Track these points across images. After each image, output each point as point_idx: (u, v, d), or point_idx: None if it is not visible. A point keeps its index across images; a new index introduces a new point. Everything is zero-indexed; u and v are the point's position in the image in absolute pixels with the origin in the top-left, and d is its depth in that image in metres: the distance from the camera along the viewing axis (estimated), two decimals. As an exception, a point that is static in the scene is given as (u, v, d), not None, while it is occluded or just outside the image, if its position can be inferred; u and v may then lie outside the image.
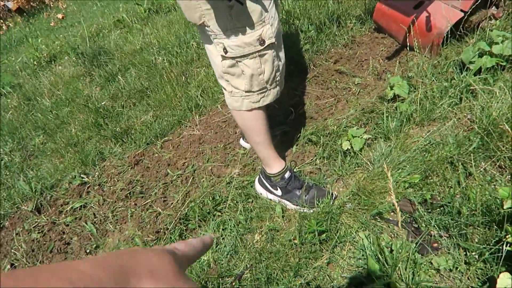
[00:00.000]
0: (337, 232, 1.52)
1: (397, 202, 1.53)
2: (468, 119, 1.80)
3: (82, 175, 2.26)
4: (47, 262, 1.79)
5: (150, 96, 2.84)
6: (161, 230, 1.75)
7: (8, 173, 2.54)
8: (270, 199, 1.74)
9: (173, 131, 2.41)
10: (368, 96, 2.18)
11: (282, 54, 1.43)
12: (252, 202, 1.79)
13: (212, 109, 2.46)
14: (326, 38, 2.66)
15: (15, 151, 2.80)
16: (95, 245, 1.86)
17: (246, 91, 1.40)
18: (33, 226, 2.03)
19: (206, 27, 1.27)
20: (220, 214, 1.76)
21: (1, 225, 2.13)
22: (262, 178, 1.74)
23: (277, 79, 1.42)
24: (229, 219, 1.72)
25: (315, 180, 1.77)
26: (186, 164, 2.12)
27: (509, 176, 1.50)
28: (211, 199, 1.83)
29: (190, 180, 2.01)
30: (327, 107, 2.21)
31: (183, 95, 2.63)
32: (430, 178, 1.59)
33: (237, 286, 1.41)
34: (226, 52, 1.29)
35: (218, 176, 1.97)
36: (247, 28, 1.23)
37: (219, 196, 1.83)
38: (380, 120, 1.93)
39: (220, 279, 1.46)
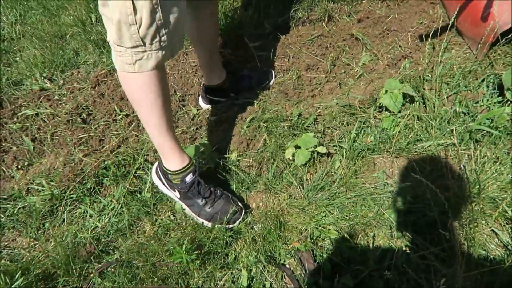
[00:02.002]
0: (225, 257, 1.33)
1: (300, 251, 1.28)
2: (459, 168, 1.34)
3: (46, 80, 2.15)
4: (-21, 166, 1.83)
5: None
6: (74, 178, 1.65)
7: (1, 49, 2.50)
8: (166, 194, 1.48)
9: (146, 57, 2.13)
10: (365, 87, 1.70)
11: (177, 5, 1.03)
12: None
13: (188, 48, 2.10)
14: (362, -17, 2.02)
15: (15, 24, 2.72)
16: (28, 162, 1.85)
17: (116, 44, 1.04)
18: (-13, 121, 2.04)
19: None
20: (134, 181, 1.61)
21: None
22: (159, 170, 1.43)
23: (162, 37, 1.03)
24: (136, 192, 1.57)
25: (240, 181, 1.51)
26: (136, 104, 1.90)
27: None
28: (134, 159, 1.67)
29: (133, 125, 1.83)
30: (312, 85, 1.78)
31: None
32: (354, 238, 1.26)
33: (95, 277, 1.33)
34: None
35: (157, 133, 1.76)
36: None
37: (141, 159, 1.65)
38: (352, 131, 1.52)
39: (87, 261, 1.38)
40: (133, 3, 0.93)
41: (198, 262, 1.27)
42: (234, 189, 1.51)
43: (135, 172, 1.63)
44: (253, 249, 1.29)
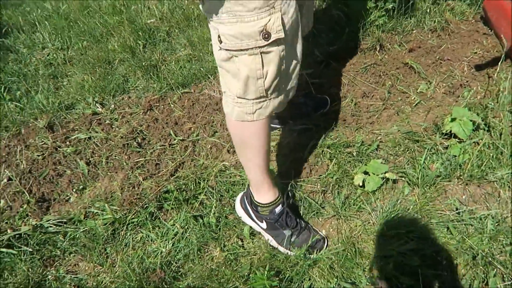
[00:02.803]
0: (301, 283, 1.30)
1: (379, 279, 1.25)
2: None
3: (97, 104, 2.19)
4: (35, 188, 1.83)
5: (196, 29, 2.56)
6: (136, 201, 1.65)
7: (46, 76, 2.56)
8: (249, 225, 1.47)
9: (197, 83, 2.17)
10: (425, 115, 1.71)
11: (298, 53, 1.08)
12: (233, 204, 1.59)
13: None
14: (411, 14, 2.07)
15: (59, 51, 2.80)
16: (82, 186, 1.85)
17: (238, 97, 1.08)
18: (41, 143, 2.06)
19: (202, 6, 1.00)
20: (196, 205, 1.60)
21: (19, 131, 2.19)
22: (246, 202, 1.44)
23: (281, 86, 1.10)
24: (201, 217, 1.56)
25: (309, 206, 1.50)
26: (192, 129, 1.93)
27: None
28: (196, 183, 1.67)
29: (189, 151, 1.84)
30: (369, 112, 1.79)
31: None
32: (433, 265, 1.24)
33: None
34: (220, 41, 0.99)
35: (215, 158, 1.77)
36: (247, 13, 0.91)
37: (204, 184, 1.65)
38: (418, 157, 1.52)
39: (159, 287, 1.36)
40: (261, 58, 0.97)
41: (277, 289, 1.25)
42: (302, 215, 1.50)
43: (197, 197, 1.63)
44: (332, 275, 1.27)
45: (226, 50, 0.99)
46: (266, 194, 1.35)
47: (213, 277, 1.35)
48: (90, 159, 1.95)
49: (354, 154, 1.59)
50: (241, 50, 0.97)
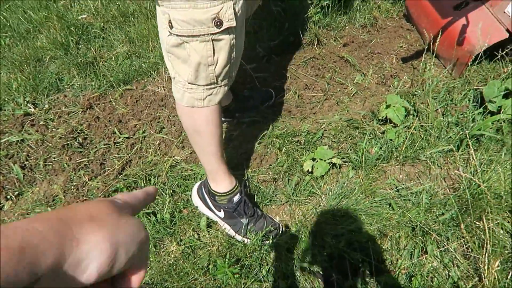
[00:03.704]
0: (260, 269, 1.34)
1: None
2: (457, 174, 1.51)
3: (29, 104, 2.04)
4: (-38, 199, 1.66)
5: (134, 25, 2.49)
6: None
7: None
8: (206, 215, 1.48)
9: (139, 79, 2.12)
10: (362, 103, 1.85)
11: (241, 42, 1.10)
12: (188, 196, 1.58)
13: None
14: (344, 11, 2.21)
15: (-21, 49, 2.55)
16: (17, 192, 1.71)
17: (189, 82, 1.09)
18: (-36, 149, 1.87)
19: None
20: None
21: None
22: (204, 192, 1.43)
23: (231, 74, 1.12)
24: (154, 213, 1.53)
25: (263, 194, 1.55)
26: (137, 127, 1.88)
27: (472, 266, 1.27)
28: (146, 180, 1.63)
29: (136, 148, 1.79)
30: (312, 103, 1.89)
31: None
32: (379, 241, 1.35)
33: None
34: (171, 26, 0.98)
35: (164, 154, 1.74)
36: (200, 0, 0.92)
37: (155, 180, 1.63)
38: (359, 142, 1.64)
39: None
40: (212, 45, 0.98)
41: (238, 276, 1.28)
42: (256, 204, 1.54)
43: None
44: (290, 258, 1.33)
45: (177, 35, 0.99)
46: (222, 182, 1.36)
47: (171, 272, 1.34)
48: (25, 162, 1.81)
49: (302, 142, 1.66)
50: (193, 36, 0.97)
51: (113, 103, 2.00)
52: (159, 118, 1.90)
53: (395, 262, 1.31)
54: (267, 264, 1.35)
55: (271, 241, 1.38)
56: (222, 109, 1.77)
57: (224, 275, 1.24)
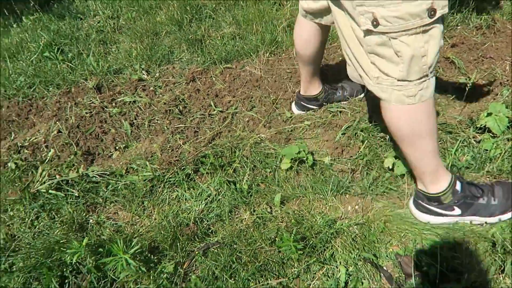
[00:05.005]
0: (322, 252, 1.38)
1: (400, 255, 1.32)
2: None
3: (143, 71, 2.32)
4: (82, 142, 1.97)
5: (242, 8, 2.64)
6: (175, 163, 1.76)
7: (97, 41, 2.71)
8: (443, 223, 1.35)
9: (239, 60, 2.26)
10: (461, 108, 1.74)
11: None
12: (268, 172, 1.67)
13: (286, 51, 2.22)
14: (458, 9, 2.07)
15: (110, 19, 2.94)
16: (125, 145, 1.98)
17: (399, 79, 1.05)
18: (89, 102, 2.21)
19: None
20: (230, 172, 1.70)
21: (70, 89, 2.35)
22: (425, 204, 1.32)
23: (437, 63, 1.08)
24: (234, 182, 1.65)
25: (336, 183, 1.57)
26: (231, 102, 2.02)
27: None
28: (231, 152, 1.76)
29: (227, 121, 1.94)
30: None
31: (268, 21, 2.38)
32: (453, 248, 1.29)
33: (199, 255, 1.42)
34: (376, 25, 0.97)
35: (251, 131, 1.86)
36: None
37: (239, 153, 1.75)
38: (450, 148, 1.56)
39: (190, 240, 1.47)
40: (423, 36, 0.97)
41: (301, 253, 1.33)
42: (330, 191, 1.56)
43: (231, 164, 1.72)
44: (354, 247, 1.35)
45: (383, 33, 0.97)
46: (443, 177, 1.27)
47: (241, 237, 1.45)
48: (134, 121, 2.07)
49: (387, 139, 1.64)
50: (403, 31, 0.95)
51: (213, 78, 2.18)
52: (251, 98, 2.02)
53: (465, 273, 1.24)
54: (331, 248, 1.38)
55: None
56: (312, 98, 1.83)
57: (288, 248, 1.30)
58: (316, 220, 1.44)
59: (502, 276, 1.20)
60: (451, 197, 1.29)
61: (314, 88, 1.81)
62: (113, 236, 1.55)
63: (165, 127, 1.98)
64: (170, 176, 1.73)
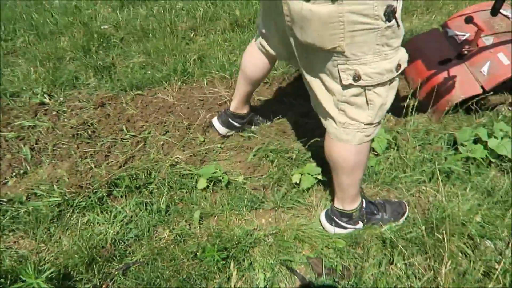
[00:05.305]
0: (243, 261, 1.46)
1: (311, 258, 1.47)
2: (426, 202, 1.69)
3: (45, 95, 2.20)
4: (-29, 169, 1.77)
5: (150, 41, 2.71)
6: (86, 186, 1.69)
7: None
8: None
9: (151, 88, 2.31)
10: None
11: None
12: (184, 193, 1.71)
13: (197, 81, 2.34)
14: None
15: (3, 42, 2.73)
16: (23, 171, 1.83)
17: (366, 123, 1.21)
18: (-22, 127, 2.00)
19: (334, 52, 1.08)
20: (147, 193, 1.70)
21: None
22: (337, 219, 1.53)
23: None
24: (152, 203, 1.66)
25: (250, 199, 1.69)
26: (144, 127, 2.04)
27: (432, 278, 1.41)
28: (146, 174, 1.77)
29: (140, 146, 1.94)
30: (306, 128, 2.08)
31: (179, 53, 2.50)
32: (354, 248, 1.50)
33: (118, 275, 1.38)
34: (357, 80, 1.10)
35: (166, 154, 1.90)
36: (390, 51, 1.08)
37: (156, 175, 1.76)
38: (344, 165, 1.82)
39: (107, 261, 1.42)
40: (388, 85, 1.15)
41: (223, 263, 1.40)
42: (245, 206, 1.68)
43: (147, 186, 1.73)
44: (271, 254, 1.46)
45: (361, 86, 1.12)
46: (358, 197, 1.51)
47: (162, 254, 1.46)
48: (35, 145, 1.94)
49: (293, 158, 1.84)
50: (379, 84, 1.11)
51: (124, 104, 2.17)
52: (165, 123, 2.07)
53: (365, 268, 1.45)
54: (250, 257, 1.48)
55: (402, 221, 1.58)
56: (241, 116, 1.92)
57: (212, 258, 1.36)
58: (234, 232, 1.53)
59: (391, 268, 1.44)
60: (358, 213, 1.53)
61: (245, 107, 1.93)
62: (15, 266, 1.40)
63: (73, 152, 1.89)
64: (81, 200, 1.65)
